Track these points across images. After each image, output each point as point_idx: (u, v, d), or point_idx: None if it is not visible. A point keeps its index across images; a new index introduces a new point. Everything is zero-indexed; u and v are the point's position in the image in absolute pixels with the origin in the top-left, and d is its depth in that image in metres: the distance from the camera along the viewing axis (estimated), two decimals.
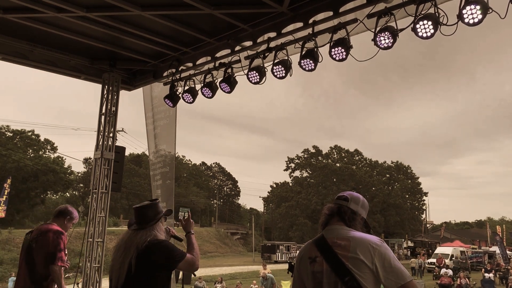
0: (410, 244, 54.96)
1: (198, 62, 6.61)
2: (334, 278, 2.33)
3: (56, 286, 4.12)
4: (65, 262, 4.11)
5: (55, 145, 54.38)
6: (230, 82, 5.97)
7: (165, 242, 3.10)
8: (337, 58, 4.78)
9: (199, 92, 6.37)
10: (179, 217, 3.39)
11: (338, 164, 72.07)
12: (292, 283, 2.71)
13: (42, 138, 52.84)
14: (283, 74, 5.29)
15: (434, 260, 36.08)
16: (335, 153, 75.20)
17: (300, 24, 5.23)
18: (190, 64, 6.72)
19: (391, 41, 4.34)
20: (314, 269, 2.45)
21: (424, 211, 75.85)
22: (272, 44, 5.46)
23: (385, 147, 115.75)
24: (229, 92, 6.06)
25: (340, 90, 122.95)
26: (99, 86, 7.57)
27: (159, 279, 2.98)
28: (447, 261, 33.82)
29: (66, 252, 4.21)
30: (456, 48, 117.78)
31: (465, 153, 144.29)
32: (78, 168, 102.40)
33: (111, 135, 7.40)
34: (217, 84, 6.17)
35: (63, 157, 55.28)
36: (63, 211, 4.35)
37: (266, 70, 5.54)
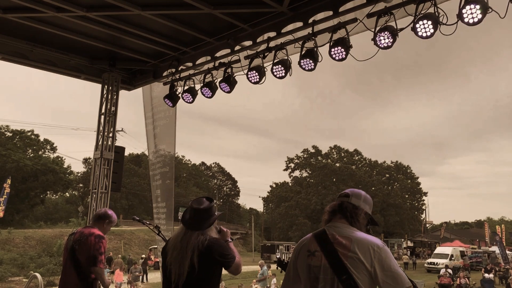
0: (410, 244, 54.95)
1: (198, 61, 6.60)
2: (331, 275, 2.32)
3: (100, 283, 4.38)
4: (105, 264, 4.41)
5: (54, 145, 54.26)
6: (229, 82, 5.97)
7: (222, 241, 3.30)
8: (336, 58, 4.78)
9: (199, 92, 6.37)
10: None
11: (337, 164, 72.01)
12: (285, 274, 2.66)
13: (41, 138, 52.78)
14: (283, 74, 5.29)
15: (433, 260, 36.20)
16: (334, 153, 75.14)
17: (300, 24, 5.23)
18: (190, 64, 6.72)
19: (391, 40, 4.34)
20: (312, 263, 2.43)
21: (424, 211, 75.93)
22: (272, 44, 5.46)
23: (381, 148, 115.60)
24: (228, 92, 6.05)
25: (336, 91, 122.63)
26: (99, 86, 7.58)
27: (216, 275, 3.18)
28: (446, 261, 33.87)
29: (106, 255, 4.49)
30: (450, 49, 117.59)
31: (462, 153, 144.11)
32: (78, 168, 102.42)
33: (110, 135, 7.40)
34: (217, 84, 6.17)
35: (62, 157, 55.30)
36: (102, 215, 4.55)
37: (265, 70, 5.54)
